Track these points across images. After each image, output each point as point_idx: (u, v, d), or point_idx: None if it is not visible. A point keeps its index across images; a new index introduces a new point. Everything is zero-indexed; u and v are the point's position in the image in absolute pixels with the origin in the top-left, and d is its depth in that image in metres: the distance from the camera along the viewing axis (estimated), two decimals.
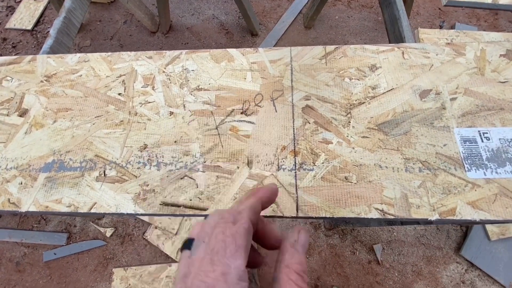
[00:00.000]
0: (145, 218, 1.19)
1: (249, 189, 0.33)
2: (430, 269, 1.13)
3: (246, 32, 1.49)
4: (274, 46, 1.38)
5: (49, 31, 0.80)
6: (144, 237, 1.16)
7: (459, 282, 1.11)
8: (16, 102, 0.42)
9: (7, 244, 1.21)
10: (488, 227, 1.13)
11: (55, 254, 1.17)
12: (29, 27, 1.55)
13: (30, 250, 1.20)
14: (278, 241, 0.22)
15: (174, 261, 1.12)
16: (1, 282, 1.16)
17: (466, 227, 1.16)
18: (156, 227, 1.17)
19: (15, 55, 1.54)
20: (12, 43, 1.58)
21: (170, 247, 1.13)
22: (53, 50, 0.75)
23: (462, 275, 1.11)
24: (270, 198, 0.23)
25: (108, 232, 1.19)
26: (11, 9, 1.69)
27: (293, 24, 1.50)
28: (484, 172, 0.32)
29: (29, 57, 0.45)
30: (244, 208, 0.20)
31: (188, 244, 0.20)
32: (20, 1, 1.68)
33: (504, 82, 0.36)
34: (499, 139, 0.33)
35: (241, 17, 1.50)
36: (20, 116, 0.41)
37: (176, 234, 1.16)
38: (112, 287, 1.09)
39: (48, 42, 0.78)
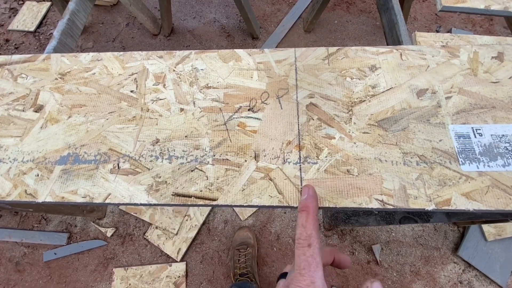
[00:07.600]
0: (147, 218, 1.20)
1: (264, 184, 0.35)
2: (428, 269, 1.14)
3: (246, 35, 1.51)
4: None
5: (51, 33, 0.81)
6: (144, 237, 1.17)
7: (457, 282, 1.12)
8: (32, 98, 0.43)
9: (7, 244, 1.21)
10: (485, 227, 1.15)
11: (55, 254, 1.16)
12: (32, 29, 1.56)
13: (30, 250, 1.20)
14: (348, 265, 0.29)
15: (175, 261, 1.13)
16: (1, 282, 1.15)
17: (463, 228, 1.18)
18: (156, 227, 1.17)
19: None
20: (15, 44, 1.59)
21: (170, 247, 1.14)
22: (56, 52, 0.77)
23: (459, 275, 1.13)
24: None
25: (109, 232, 1.19)
26: (14, 11, 1.71)
27: (293, 28, 1.53)
28: (477, 166, 0.34)
29: (43, 56, 0.47)
30: (311, 232, 0.25)
31: (282, 275, 0.27)
32: (23, 3, 1.69)
33: (496, 82, 0.38)
34: (491, 135, 0.35)
35: (242, 20, 1.52)
36: (36, 111, 0.42)
37: (176, 234, 1.16)
38: (112, 287, 1.10)
39: (52, 43, 0.80)
